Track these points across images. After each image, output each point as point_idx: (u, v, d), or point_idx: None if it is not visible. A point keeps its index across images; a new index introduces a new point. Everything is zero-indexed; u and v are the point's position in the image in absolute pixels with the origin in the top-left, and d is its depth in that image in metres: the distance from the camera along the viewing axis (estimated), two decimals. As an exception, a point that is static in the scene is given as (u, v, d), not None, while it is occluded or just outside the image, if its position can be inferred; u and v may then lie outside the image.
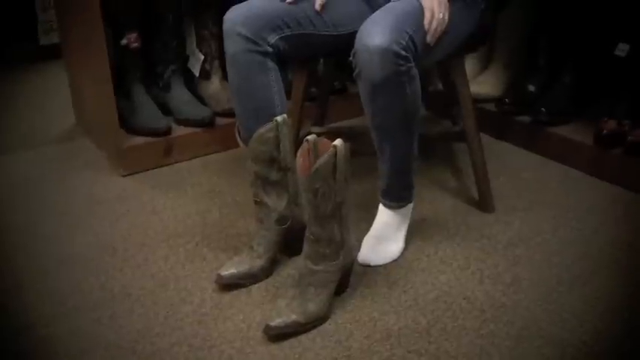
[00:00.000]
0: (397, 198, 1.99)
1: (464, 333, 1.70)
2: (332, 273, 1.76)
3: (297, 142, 1.88)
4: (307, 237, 1.75)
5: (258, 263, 1.88)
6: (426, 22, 1.75)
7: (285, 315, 1.70)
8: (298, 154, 1.68)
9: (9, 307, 1.85)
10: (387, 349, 1.65)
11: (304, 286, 1.75)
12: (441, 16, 1.76)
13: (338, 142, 1.64)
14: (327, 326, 1.73)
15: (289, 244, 1.95)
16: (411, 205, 2.02)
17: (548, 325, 1.72)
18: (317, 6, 1.90)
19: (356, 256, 1.91)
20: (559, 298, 1.82)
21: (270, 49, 1.84)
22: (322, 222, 1.71)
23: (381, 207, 2.01)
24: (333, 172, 1.66)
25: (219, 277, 1.86)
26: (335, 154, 1.64)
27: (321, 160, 1.64)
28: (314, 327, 1.73)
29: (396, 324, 1.73)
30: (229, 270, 1.87)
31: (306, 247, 1.76)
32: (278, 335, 1.69)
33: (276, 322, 1.69)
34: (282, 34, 1.86)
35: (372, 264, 1.95)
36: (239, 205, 2.31)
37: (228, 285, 1.87)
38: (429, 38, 1.76)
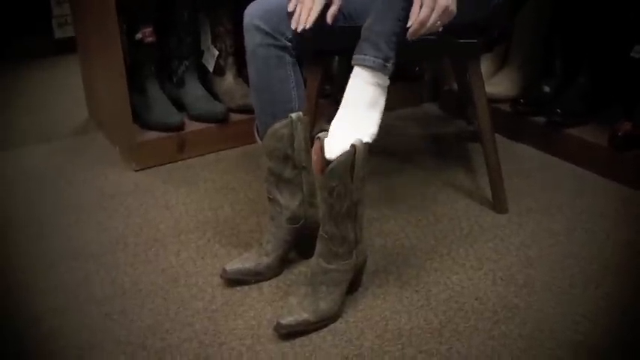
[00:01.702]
0: (374, 52, 1.67)
1: (476, 334, 1.69)
2: (345, 272, 1.75)
3: (312, 140, 1.87)
4: (320, 235, 1.74)
5: (265, 261, 1.87)
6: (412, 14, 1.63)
7: (296, 313, 1.70)
8: (312, 151, 1.67)
9: (19, 300, 1.85)
10: (399, 348, 1.64)
11: (316, 285, 1.74)
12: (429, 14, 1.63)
13: (357, 141, 1.63)
14: (338, 325, 1.72)
15: (303, 244, 1.93)
16: (385, 81, 1.70)
17: (561, 328, 1.70)
18: (329, 19, 1.87)
19: (368, 254, 1.89)
20: (572, 301, 1.80)
21: (288, 44, 1.83)
22: (336, 221, 1.70)
23: (352, 75, 1.70)
24: (350, 172, 1.64)
25: (225, 271, 1.86)
26: (354, 153, 1.62)
27: (339, 159, 1.62)
28: (325, 326, 1.72)
29: (408, 324, 1.72)
30: (235, 265, 1.87)
31: (319, 246, 1.75)
32: (288, 333, 1.68)
33: (287, 320, 1.68)
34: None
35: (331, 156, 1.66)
36: (252, 201, 2.30)
37: (234, 280, 1.86)
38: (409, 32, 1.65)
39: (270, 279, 1.89)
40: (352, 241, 1.74)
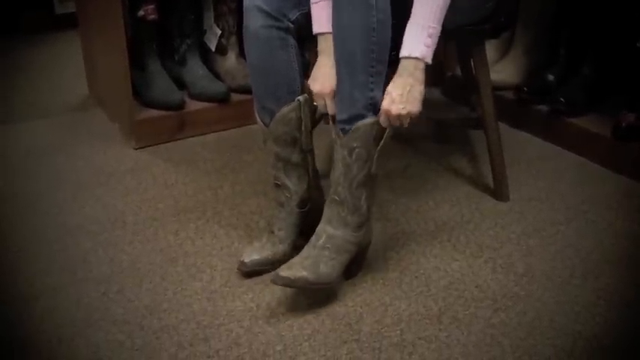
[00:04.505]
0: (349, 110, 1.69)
1: (475, 321, 1.68)
2: (350, 243, 1.73)
3: (313, 122, 1.86)
4: (331, 199, 1.73)
5: (281, 249, 1.84)
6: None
7: (295, 269, 1.67)
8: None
9: (15, 276, 1.84)
10: (397, 334, 1.63)
11: (319, 248, 1.71)
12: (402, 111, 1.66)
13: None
14: (336, 309, 1.71)
15: (307, 228, 1.91)
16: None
17: (561, 317, 1.70)
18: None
19: (372, 239, 1.86)
20: (572, 290, 1.79)
21: (291, 26, 1.80)
22: (351, 186, 1.69)
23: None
24: (376, 140, 1.65)
25: (243, 264, 1.82)
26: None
27: (365, 122, 1.64)
28: (320, 290, 1.72)
29: (407, 309, 1.72)
30: (252, 256, 1.82)
31: (327, 211, 1.74)
32: (285, 285, 1.68)
33: (286, 273, 1.66)
34: (303, 10, 1.82)
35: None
36: (252, 182, 2.29)
37: (252, 272, 1.82)
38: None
39: None
40: (363, 214, 1.72)
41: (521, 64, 2.77)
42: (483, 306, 1.73)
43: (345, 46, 1.65)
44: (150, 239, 2.00)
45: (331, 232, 1.72)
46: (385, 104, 1.64)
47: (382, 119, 1.65)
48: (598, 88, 2.55)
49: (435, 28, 1.61)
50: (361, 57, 1.63)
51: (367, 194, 1.71)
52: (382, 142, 1.67)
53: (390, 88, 1.64)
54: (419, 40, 1.61)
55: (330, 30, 1.72)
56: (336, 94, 1.71)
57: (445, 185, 2.29)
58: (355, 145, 1.65)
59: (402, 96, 1.62)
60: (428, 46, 1.62)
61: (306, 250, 1.74)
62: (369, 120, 1.64)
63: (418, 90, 1.64)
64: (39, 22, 3.79)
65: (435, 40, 1.63)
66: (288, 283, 1.67)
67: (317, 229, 1.76)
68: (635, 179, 2.30)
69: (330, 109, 1.75)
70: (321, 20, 1.75)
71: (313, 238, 1.75)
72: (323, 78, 1.76)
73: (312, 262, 1.69)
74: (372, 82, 1.65)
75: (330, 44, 1.73)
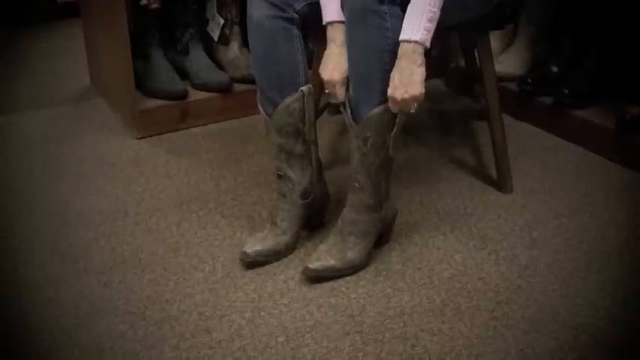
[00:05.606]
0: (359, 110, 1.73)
1: (478, 314, 1.67)
2: (373, 224, 1.79)
3: (317, 113, 1.85)
4: (352, 185, 1.76)
5: (283, 240, 1.84)
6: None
7: (323, 259, 1.75)
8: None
9: (17, 266, 1.84)
10: (400, 326, 1.63)
11: (345, 235, 1.78)
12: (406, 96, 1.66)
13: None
14: (339, 300, 1.71)
15: (310, 219, 1.92)
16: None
17: (564, 310, 1.69)
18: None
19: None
20: (575, 283, 1.79)
21: (296, 16, 1.79)
22: (369, 172, 1.73)
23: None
24: (389, 127, 1.68)
25: (245, 254, 1.81)
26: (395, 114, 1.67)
27: (374, 111, 1.66)
28: (352, 273, 1.78)
29: (410, 301, 1.71)
30: (255, 247, 1.82)
31: (350, 196, 1.78)
32: (315, 277, 1.75)
33: (315, 265, 1.75)
34: (309, 1, 1.82)
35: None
36: (254, 173, 2.28)
37: (254, 262, 1.82)
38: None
39: (286, 257, 1.86)
40: (383, 193, 1.77)
41: (525, 56, 2.75)
42: (486, 298, 1.73)
43: (359, 68, 1.69)
44: (152, 229, 1.99)
45: (355, 218, 1.78)
46: (389, 91, 1.64)
47: (390, 105, 1.67)
48: (602, 80, 2.54)
49: (435, 12, 1.61)
50: (377, 79, 1.66)
51: (387, 177, 1.76)
52: (396, 127, 1.69)
53: (392, 74, 1.64)
54: (419, 24, 1.61)
55: (339, 19, 1.73)
56: (350, 100, 1.73)
57: (448, 177, 2.28)
58: (369, 134, 1.68)
59: (403, 80, 1.62)
60: (428, 30, 1.61)
61: (333, 238, 1.80)
62: (379, 108, 1.66)
63: (418, 73, 1.63)
64: (41, 11, 3.78)
65: (434, 24, 1.62)
66: (317, 275, 1.74)
67: (342, 214, 1.81)
68: (639, 171, 2.29)
69: (340, 97, 1.76)
70: (330, 9, 1.75)
71: (339, 223, 1.81)
72: (332, 66, 1.76)
73: (339, 249, 1.77)
74: (385, 100, 1.67)
75: (340, 33, 1.74)
